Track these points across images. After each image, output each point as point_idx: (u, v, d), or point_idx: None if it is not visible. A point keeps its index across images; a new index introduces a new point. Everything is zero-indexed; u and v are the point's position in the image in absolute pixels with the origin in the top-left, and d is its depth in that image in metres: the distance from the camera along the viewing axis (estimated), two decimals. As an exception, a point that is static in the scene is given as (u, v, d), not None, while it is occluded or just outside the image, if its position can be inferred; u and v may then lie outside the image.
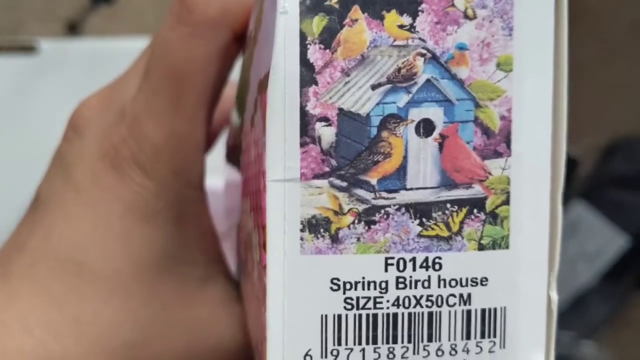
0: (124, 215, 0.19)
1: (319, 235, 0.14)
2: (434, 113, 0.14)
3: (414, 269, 0.14)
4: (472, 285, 0.14)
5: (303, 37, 0.13)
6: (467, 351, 0.14)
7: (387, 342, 0.14)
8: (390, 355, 0.14)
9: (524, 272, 0.14)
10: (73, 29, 0.54)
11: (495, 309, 0.14)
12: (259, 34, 0.16)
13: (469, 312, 0.14)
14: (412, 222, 0.14)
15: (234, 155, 0.23)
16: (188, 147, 0.20)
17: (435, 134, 0.14)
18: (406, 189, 0.14)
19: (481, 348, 0.14)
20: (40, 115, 0.50)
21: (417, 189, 0.14)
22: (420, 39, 0.14)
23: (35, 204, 0.21)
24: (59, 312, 0.19)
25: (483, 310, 0.14)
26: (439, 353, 0.14)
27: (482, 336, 0.14)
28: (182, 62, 0.19)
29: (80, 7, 0.54)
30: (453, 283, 0.14)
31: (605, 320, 0.70)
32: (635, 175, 0.70)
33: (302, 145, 0.14)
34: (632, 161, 0.70)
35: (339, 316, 0.14)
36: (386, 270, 0.14)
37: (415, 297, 0.14)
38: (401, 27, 0.14)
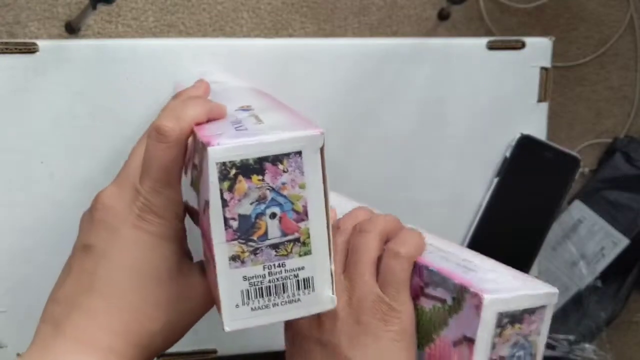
0: (159, 242, 0.41)
1: (236, 260, 0.36)
2: (276, 210, 0.35)
3: (274, 268, 0.36)
4: (298, 270, 0.37)
5: (221, 191, 0.35)
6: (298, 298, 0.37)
7: (268, 295, 0.36)
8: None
9: (318, 261, 0.37)
10: (72, 29, 0.55)
11: (309, 277, 0.37)
12: (201, 177, 0.37)
13: (297, 280, 0.37)
14: (271, 251, 0.36)
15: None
16: (178, 201, 0.41)
17: (277, 217, 0.36)
18: (269, 239, 0.36)
19: (300, 296, 0.37)
20: (40, 114, 0.52)
21: (273, 238, 0.36)
22: (267, 183, 0.35)
23: (90, 250, 0.41)
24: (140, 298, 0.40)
25: (304, 279, 0.37)
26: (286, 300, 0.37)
27: (304, 288, 0.37)
28: (168, 162, 0.40)
29: (80, 7, 0.54)
30: (290, 270, 0.36)
31: (604, 321, 0.71)
32: (635, 176, 0.70)
33: (225, 229, 0.35)
34: (632, 162, 0.70)
35: (246, 289, 0.36)
36: (263, 270, 0.36)
37: (276, 278, 0.36)
38: (259, 180, 0.35)
